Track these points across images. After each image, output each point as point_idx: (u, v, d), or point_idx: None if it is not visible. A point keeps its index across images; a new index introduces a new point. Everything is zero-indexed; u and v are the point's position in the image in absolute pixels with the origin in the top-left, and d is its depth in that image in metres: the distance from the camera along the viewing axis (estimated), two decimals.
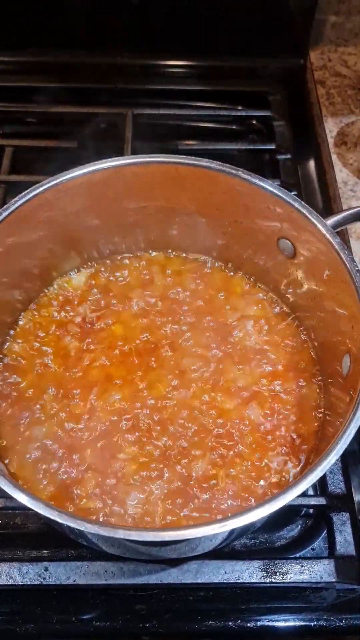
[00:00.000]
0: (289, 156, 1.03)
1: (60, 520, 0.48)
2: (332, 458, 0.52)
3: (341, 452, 0.53)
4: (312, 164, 1.06)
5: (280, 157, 1.02)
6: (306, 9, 1.10)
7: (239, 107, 1.11)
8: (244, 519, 0.49)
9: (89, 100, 1.07)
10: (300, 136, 1.07)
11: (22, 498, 0.51)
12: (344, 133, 1.04)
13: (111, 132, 1.04)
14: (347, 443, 0.53)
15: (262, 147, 1.04)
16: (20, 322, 0.77)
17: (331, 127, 1.05)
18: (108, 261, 0.82)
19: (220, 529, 0.49)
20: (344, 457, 0.74)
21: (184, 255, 0.83)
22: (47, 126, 1.08)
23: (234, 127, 1.11)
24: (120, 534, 0.48)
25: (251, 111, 1.10)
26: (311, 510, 0.73)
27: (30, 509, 0.67)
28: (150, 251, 0.83)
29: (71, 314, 0.78)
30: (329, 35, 1.18)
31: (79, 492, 0.66)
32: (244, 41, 1.13)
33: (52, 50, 1.11)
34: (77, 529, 0.49)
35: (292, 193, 0.93)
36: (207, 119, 1.10)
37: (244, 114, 1.10)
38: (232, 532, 0.59)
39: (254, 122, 1.10)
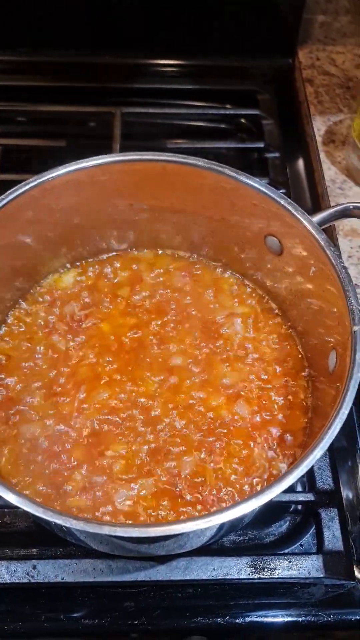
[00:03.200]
0: (277, 154, 1.03)
1: (46, 517, 0.48)
2: (318, 453, 0.52)
3: (327, 446, 0.53)
4: (300, 162, 1.06)
5: (269, 155, 1.02)
6: (295, 8, 1.11)
7: (228, 106, 1.11)
8: (230, 514, 0.49)
9: (78, 99, 1.07)
10: (289, 134, 1.07)
11: (10, 496, 0.51)
12: (332, 131, 1.05)
13: (100, 131, 1.04)
14: (333, 438, 0.53)
15: (251, 146, 1.05)
16: (8, 320, 0.77)
17: (319, 126, 1.06)
18: (96, 259, 0.82)
19: (205, 524, 0.49)
20: (332, 453, 0.74)
21: (172, 253, 0.83)
22: (36, 125, 1.08)
23: (223, 126, 1.11)
24: (106, 530, 0.48)
25: (240, 110, 1.10)
26: (300, 507, 0.73)
27: (18, 508, 0.68)
28: (139, 249, 0.83)
29: (59, 312, 0.78)
30: (317, 35, 1.18)
31: (68, 489, 0.66)
32: (233, 40, 1.13)
33: (41, 49, 1.10)
34: (63, 526, 0.49)
35: (281, 191, 0.94)
36: (196, 118, 1.10)
37: (233, 112, 1.10)
38: (220, 527, 0.60)
39: (243, 120, 1.10)
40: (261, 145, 1.03)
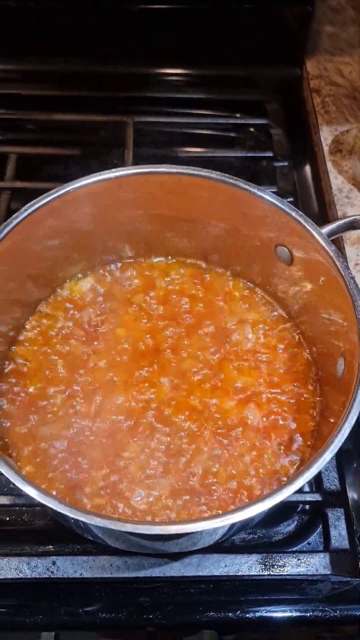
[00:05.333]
0: (285, 163, 1.05)
1: (72, 515, 0.51)
2: (327, 456, 0.55)
3: (335, 450, 0.56)
4: (308, 170, 1.09)
5: (278, 164, 1.05)
6: (303, 19, 1.13)
7: (238, 115, 1.14)
8: (245, 513, 0.52)
9: (91, 108, 1.10)
10: (296, 144, 1.10)
11: (48, 501, 0.53)
12: (339, 141, 1.07)
13: (113, 140, 1.07)
14: (342, 442, 0.56)
15: (260, 155, 1.07)
16: (27, 326, 0.80)
17: (326, 135, 1.08)
18: (112, 266, 0.84)
19: (222, 523, 0.52)
20: (339, 456, 0.77)
21: (184, 260, 0.86)
22: (51, 134, 1.10)
23: (232, 135, 1.14)
24: (129, 527, 0.51)
25: (249, 119, 1.12)
26: (307, 506, 0.76)
27: (37, 506, 0.71)
28: (152, 257, 0.86)
29: (77, 317, 0.80)
30: (325, 45, 1.21)
31: (86, 489, 0.69)
32: (242, 51, 1.16)
33: (55, 59, 1.13)
34: (87, 523, 0.52)
35: (289, 199, 0.97)
36: (207, 127, 1.13)
37: (242, 121, 1.13)
38: (232, 526, 0.63)
39: (252, 129, 1.13)
40: (270, 154, 1.06)
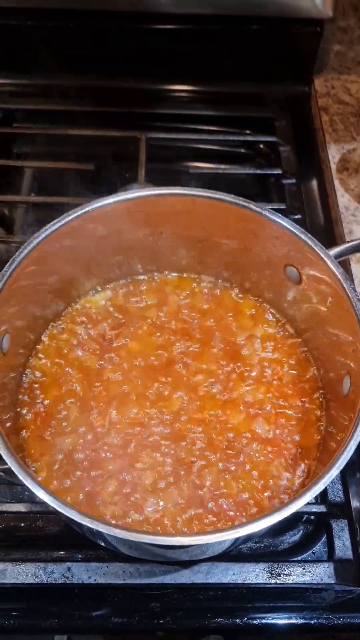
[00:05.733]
0: (294, 180, 1.08)
1: (93, 527, 0.54)
2: (334, 472, 0.58)
3: (342, 466, 0.58)
4: (315, 188, 1.12)
5: (286, 181, 1.08)
6: (312, 39, 1.16)
7: (247, 132, 1.17)
8: (255, 526, 0.55)
9: (105, 123, 1.13)
10: (304, 161, 1.13)
11: (70, 512, 0.56)
12: (346, 159, 1.10)
13: (126, 155, 1.10)
14: (348, 458, 0.59)
15: (269, 172, 1.10)
16: (44, 339, 0.83)
17: (334, 153, 1.11)
18: (126, 281, 0.87)
19: (233, 535, 0.55)
20: (343, 468, 0.80)
21: (196, 277, 0.89)
22: (65, 148, 1.13)
23: (242, 151, 1.17)
24: (146, 538, 0.53)
25: (258, 136, 1.15)
26: (312, 517, 0.79)
27: (51, 513, 0.74)
28: (165, 273, 0.88)
29: (91, 331, 0.83)
30: (333, 64, 1.24)
31: (99, 498, 0.71)
32: (252, 68, 1.19)
33: (69, 75, 1.16)
34: (104, 533, 0.55)
35: (296, 216, 1.00)
36: (217, 143, 1.16)
37: (251, 139, 1.15)
38: (239, 537, 0.65)
39: (261, 146, 1.16)
40: (278, 171, 1.09)
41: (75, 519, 0.54)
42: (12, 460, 0.58)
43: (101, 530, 0.53)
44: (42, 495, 0.57)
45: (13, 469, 0.58)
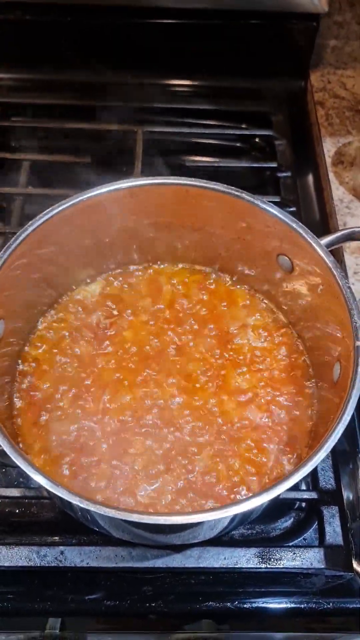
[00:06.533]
0: (289, 174, 1.09)
1: (83, 506, 0.55)
2: (322, 454, 0.59)
3: (330, 448, 0.59)
4: (310, 181, 1.13)
5: (281, 174, 1.08)
6: (308, 34, 1.17)
7: (243, 126, 1.17)
8: (245, 505, 0.56)
9: (102, 117, 1.14)
10: (300, 155, 1.13)
11: (60, 491, 0.56)
12: (341, 153, 1.11)
13: (123, 148, 1.11)
14: (336, 440, 0.60)
15: (264, 166, 1.11)
16: (39, 327, 0.84)
17: (329, 147, 1.12)
18: (120, 272, 0.88)
19: (221, 515, 0.55)
20: (335, 456, 0.81)
21: (189, 267, 0.90)
22: (63, 142, 1.14)
23: (238, 145, 1.17)
24: (134, 517, 0.54)
25: (254, 130, 1.16)
26: (303, 504, 0.79)
27: (45, 498, 0.75)
28: (159, 263, 0.89)
29: (86, 320, 0.84)
30: (329, 59, 1.25)
31: (93, 483, 0.72)
32: (249, 64, 1.20)
33: (68, 70, 1.17)
34: (95, 513, 0.55)
35: (291, 209, 1.01)
36: (213, 137, 1.17)
37: (247, 132, 1.16)
38: (231, 520, 0.66)
39: (257, 140, 1.16)
40: (274, 165, 1.09)
41: (66, 497, 0.55)
42: (4, 439, 0.59)
43: (90, 509, 0.54)
44: (34, 474, 0.58)
45: (4, 448, 0.59)
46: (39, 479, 0.58)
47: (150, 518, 0.55)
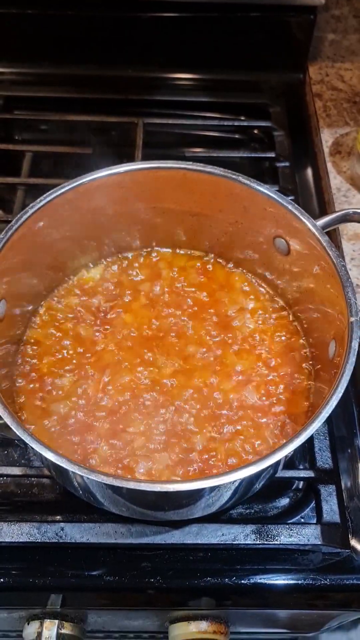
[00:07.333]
0: (287, 164, 1.10)
1: (80, 473, 0.56)
2: (317, 424, 0.59)
3: (325, 418, 0.60)
4: (309, 171, 1.14)
5: (280, 164, 1.10)
6: (306, 27, 1.19)
7: (242, 118, 1.19)
8: (241, 473, 0.57)
9: (102, 109, 1.15)
10: (298, 145, 1.15)
11: (60, 460, 0.58)
12: (339, 143, 1.12)
13: (123, 140, 1.12)
14: (330, 411, 0.60)
15: (263, 156, 1.12)
16: (41, 310, 0.85)
17: (327, 137, 1.13)
18: (121, 256, 0.90)
19: (222, 481, 0.56)
20: (333, 438, 0.81)
21: (188, 252, 0.91)
22: (64, 134, 1.16)
23: (236, 136, 1.19)
24: (131, 484, 0.55)
25: (253, 122, 1.17)
26: (301, 484, 0.80)
27: (45, 477, 0.76)
28: (159, 248, 0.91)
29: (87, 303, 0.86)
30: (327, 52, 1.26)
31: (93, 461, 0.73)
32: (247, 56, 1.21)
33: (68, 63, 1.19)
34: (93, 481, 0.57)
35: (290, 198, 1.02)
36: (212, 128, 1.18)
37: (246, 124, 1.18)
38: (232, 494, 0.67)
39: (256, 131, 1.18)
40: (272, 155, 1.11)
41: (64, 466, 0.56)
42: (5, 411, 0.60)
43: (88, 476, 0.55)
44: (33, 444, 0.59)
45: (5, 419, 0.60)
46: (37, 446, 0.59)
47: (147, 485, 0.56)
